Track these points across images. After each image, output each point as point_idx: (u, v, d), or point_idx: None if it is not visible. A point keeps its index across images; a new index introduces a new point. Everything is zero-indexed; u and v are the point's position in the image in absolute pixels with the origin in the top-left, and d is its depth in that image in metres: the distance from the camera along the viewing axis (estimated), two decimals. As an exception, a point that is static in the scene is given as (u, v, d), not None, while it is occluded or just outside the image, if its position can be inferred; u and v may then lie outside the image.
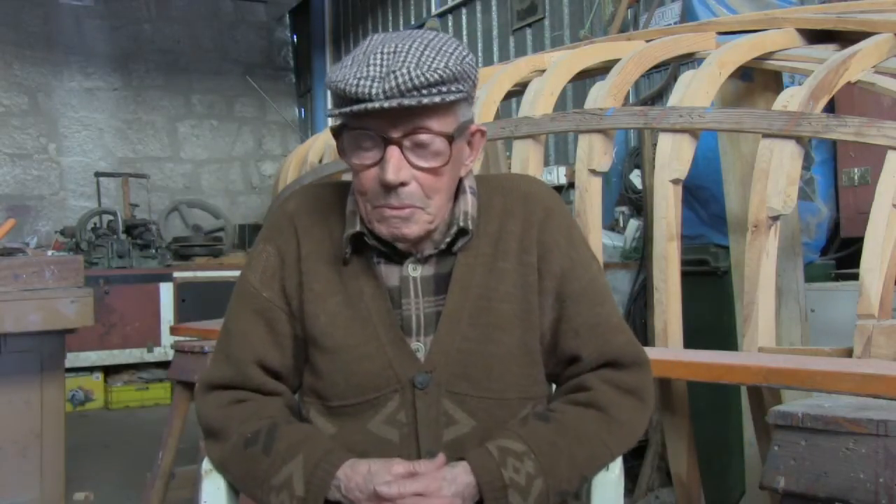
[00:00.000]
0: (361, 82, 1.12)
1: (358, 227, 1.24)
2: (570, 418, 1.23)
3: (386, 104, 1.11)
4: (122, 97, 7.30)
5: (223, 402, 1.29)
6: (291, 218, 1.31)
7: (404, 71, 1.11)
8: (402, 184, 1.16)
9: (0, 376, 2.98)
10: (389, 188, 1.16)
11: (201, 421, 1.31)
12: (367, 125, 1.16)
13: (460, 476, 1.16)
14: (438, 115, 1.16)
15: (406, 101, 1.12)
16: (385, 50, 1.15)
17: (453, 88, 1.14)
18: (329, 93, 1.21)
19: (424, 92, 1.12)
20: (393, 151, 1.15)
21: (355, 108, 1.13)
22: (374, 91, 1.12)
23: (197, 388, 1.35)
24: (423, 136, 1.16)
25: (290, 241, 1.30)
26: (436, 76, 1.12)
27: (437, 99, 1.13)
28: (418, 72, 1.12)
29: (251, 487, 1.23)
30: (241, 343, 1.29)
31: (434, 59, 1.13)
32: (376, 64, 1.13)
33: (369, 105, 1.12)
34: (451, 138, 1.18)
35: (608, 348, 1.27)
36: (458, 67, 1.14)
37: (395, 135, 1.15)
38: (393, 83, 1.11)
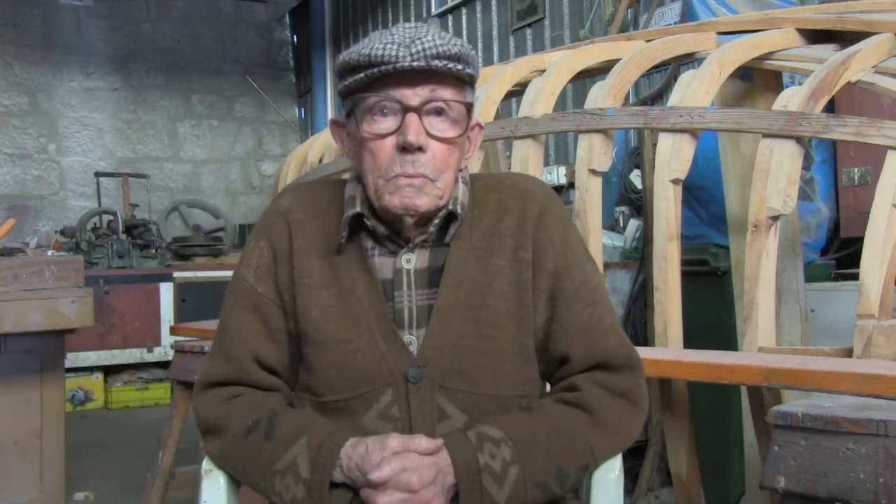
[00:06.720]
0: (388, 47, 1.16)
1: (358, 208, 1.25)
2: (553, 412, 1.23)
3: (415, 64, 1.15)
4: (122, 97, 7.30)
5: (221, 397, 1.28)
6: (284, 214, 1.32)
7: (429, 38, 1.16)
8: (420, 148, 1.18)
9: (0, 376, 2.98)
10: (408, 151, 1.18)
11: (199, 418, 1.30)
12: (386, 93, 1.18)
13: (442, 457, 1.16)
14: (455, 88, 1.21)
15: (435, 63, 1.16)
16: (404, 27, 1.19)
17: (468, 69, 1.20)
18: (338, 74, 1.23)
19: (445, 62, 1.17)
20: (413, 117, 1.18)
21: (384, 67, 1.15)
22: (401, 54, 1.15)
23: (195, 386, 1.34)
24: (442, 104, 1.20)
25: (282, 236, 1.30)
26: (456, 50, 1.17)
27: (460, 67, 1.18)
28: (441, 41, 1.17)
29: (254, 475, 1.21)
30: (237, 339, 1.29)
31: (450, 37, 1.19)
32: (399, 34, 1.18)
33: (398, 65, 1.15)
34: (468, 106, 1.22)
35: (598, 350, 1.26)
36: (470, 52, 1.20)
37: (414, 102, 1.18)
38: (420, 47, 1.15)
